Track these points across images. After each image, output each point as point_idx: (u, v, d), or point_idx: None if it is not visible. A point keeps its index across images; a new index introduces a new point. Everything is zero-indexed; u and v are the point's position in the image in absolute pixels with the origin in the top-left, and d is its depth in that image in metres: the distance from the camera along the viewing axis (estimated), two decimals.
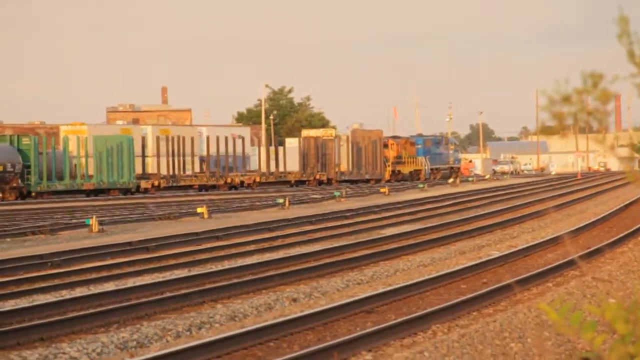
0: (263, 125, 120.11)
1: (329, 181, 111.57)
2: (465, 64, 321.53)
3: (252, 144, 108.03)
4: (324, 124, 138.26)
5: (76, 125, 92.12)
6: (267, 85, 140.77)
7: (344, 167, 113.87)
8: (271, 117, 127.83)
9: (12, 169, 79.29)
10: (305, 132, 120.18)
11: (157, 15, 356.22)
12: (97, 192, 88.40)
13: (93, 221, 50.41)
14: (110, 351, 20.58)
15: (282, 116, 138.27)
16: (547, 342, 20.35)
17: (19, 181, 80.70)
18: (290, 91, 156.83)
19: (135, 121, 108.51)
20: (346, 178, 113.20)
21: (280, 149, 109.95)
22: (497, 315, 23.05)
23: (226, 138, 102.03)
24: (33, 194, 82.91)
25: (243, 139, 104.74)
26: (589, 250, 34.07)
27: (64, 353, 20.20)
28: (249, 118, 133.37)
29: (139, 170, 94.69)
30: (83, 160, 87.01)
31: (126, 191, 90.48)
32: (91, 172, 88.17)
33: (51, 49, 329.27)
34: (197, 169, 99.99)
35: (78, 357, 20.14)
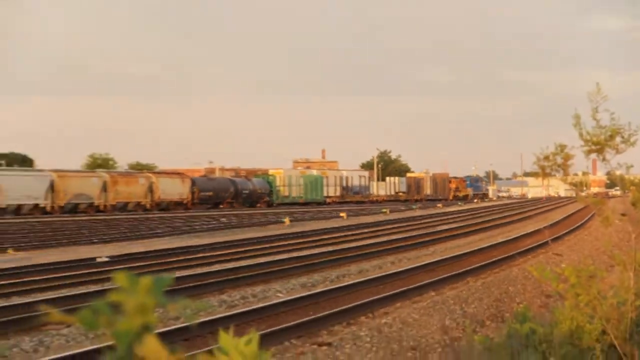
0: (375, 170, 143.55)
1: (421, 200, 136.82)
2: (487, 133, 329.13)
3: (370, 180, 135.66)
4: (407, 170, 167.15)
5: (278, 169, 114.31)
6: (377, 149, 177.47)
7: (428, 192, 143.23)
8: (380, 165, 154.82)
9: (264, 192, 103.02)
10: (409, 174, 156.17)
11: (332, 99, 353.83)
12: (305, 204, 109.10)
13: (287, 220, 60.90)
14: (296, 288, 25.35)
15: (385, 166, 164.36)
16: (528, 286, 24.35)
17: (267, 198, 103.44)
18: (390, 152, 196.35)
19: (308, 167, 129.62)
20: (430, 198, 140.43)
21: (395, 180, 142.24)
22: (501, 272, 28.66)
23: (354, 177, 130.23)
24: (274, 204, 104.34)
25: (365, 177, 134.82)
26: (552, 237, 38.99)
27: (273, 288, 25.10)
28: (368, 165, 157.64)
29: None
30: (284, 188, 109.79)
31: (319, 204, 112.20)
32: (301, 194, 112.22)
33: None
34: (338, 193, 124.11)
35: (281, 290, 24.70)
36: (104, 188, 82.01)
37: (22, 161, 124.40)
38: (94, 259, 33.35)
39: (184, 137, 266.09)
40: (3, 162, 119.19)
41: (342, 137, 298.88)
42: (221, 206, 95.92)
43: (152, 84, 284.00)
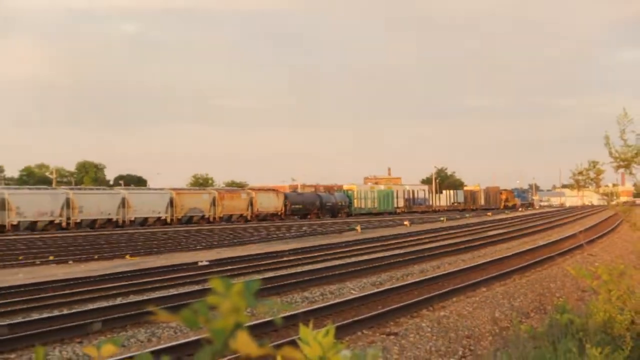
0: (434, 185, 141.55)
1: (476, 209, 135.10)
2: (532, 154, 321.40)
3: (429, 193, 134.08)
4: (461, 184, 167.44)
5: (351, 185, 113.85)
6: (435, 167, 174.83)
7: (481, 203, 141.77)
8: (437, 180, 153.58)
9: (344, 204, 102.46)
10: (466, 187, 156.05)
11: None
12: (378, 214, 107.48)
13: (358, 228, 60.25)
14: (366, 285, 25.37)
15: (442, 181, 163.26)
16: (567, 283, 23.82)
17: (347, 209, 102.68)
18: (446, 169, 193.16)
19: (376, 183, 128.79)
20: (483, 208, 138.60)
21: (452, 192, 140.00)
22: (543, 271, 28.38)
23: (418, 191, 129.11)
24: (352, 214, 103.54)
25: (425, 190, 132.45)
26: (586, 240, 38.98)
27: (347, 286, 25.05)
28: (427, 181, 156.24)
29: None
30: (361, 201, 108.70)
31: (390, 213, 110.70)
32: (376, 205, 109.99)
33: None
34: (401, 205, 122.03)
35: (354, 288, 24.78)
36: (213, 203, 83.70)
37: (137, 181, 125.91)
38: (196, 262, 33.60)
39: (268, 158, 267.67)
40: (122, 182, 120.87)
41: (404, 157, 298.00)
42: (309, 217, 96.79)
43: (242, 114, 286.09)
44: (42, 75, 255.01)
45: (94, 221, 71.01)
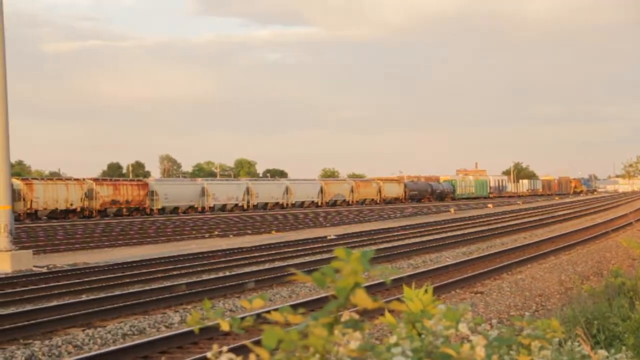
0: (512, 175, 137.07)
1: (551, 194, 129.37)
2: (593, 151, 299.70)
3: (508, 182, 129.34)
4: (534, 174, 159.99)
5: (446, 176, 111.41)
6: (513, 161, 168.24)
7: (555, 189, 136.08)
8: (514, 172, 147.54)
9: (449, 190, 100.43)
10: (543, 177, 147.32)
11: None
12: (474, 198, 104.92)
13: (452, 210, 59.36)
14: (459, 254, 24.94)
15: (518, 172, 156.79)
16: (620, 253, 23.41)
17: (452, 194, 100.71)
18: (521, 163, 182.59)
19: (466, 175, 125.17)
20: (556, 193, 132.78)
21: (532, 181, 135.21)
22: (601, 243, 28.04)
23: (503, 180, 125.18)
24: (456, 198, 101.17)
25: (505, 180, 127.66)
26: (635, 219, 37.03)
27: (444, 255, 24.92)
28: (507, 172, 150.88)
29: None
30: (462, 188, 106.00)
31: (484, 198, 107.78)
32: (473, 191, 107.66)
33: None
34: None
35: (448, 256, 24.41)
36: (351, 190, 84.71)
37: (280, 174, 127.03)
38: (326, 236, 33.85)
39: (379, 154, 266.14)
40: (268, 175, 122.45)
41: (487, 152, 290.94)
42: (422, 200, 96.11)
43: (359, 122, 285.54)
44: (209, 93, 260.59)
45: (266, 204, 73.76)
